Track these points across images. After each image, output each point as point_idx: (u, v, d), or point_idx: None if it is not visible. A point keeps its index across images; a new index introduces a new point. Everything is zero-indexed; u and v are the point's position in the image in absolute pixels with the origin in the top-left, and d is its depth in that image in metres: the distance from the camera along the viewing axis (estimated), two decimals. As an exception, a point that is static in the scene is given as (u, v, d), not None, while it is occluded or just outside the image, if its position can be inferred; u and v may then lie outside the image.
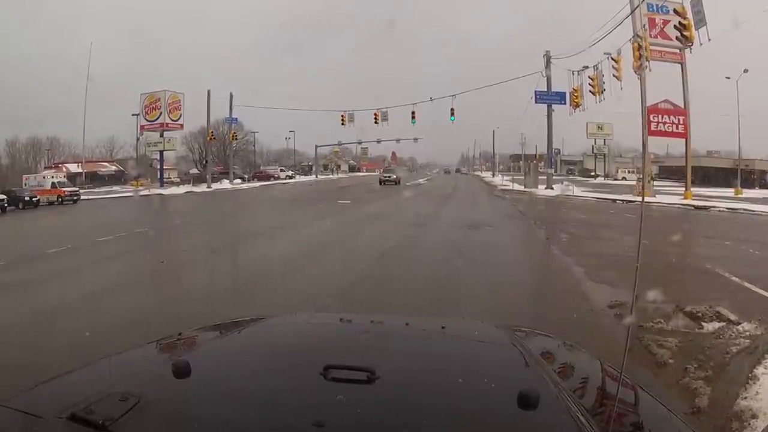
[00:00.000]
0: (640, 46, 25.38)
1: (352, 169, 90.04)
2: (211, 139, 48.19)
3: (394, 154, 78.78)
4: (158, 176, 45.40)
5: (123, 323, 5.13)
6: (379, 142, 53.61)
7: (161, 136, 45.50)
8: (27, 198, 27.87)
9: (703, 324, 4.93)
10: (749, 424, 3.01)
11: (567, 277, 7.73)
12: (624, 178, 53.43)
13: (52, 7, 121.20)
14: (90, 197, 34.90)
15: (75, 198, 32.64)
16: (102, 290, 7.00)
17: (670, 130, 27.44)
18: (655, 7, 26.30)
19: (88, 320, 5.40)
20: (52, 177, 35.12)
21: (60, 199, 31.50)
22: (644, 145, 27.62)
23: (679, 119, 27.27)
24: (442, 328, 1.79)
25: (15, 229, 18.53)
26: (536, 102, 34.81)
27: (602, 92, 30.05)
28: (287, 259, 9.58)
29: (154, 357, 1.56)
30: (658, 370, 3.96)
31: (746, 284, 6.79)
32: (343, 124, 40.80)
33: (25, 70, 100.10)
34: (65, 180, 36.52)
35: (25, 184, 34.21)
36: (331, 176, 69.61)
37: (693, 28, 25.16)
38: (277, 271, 8.51)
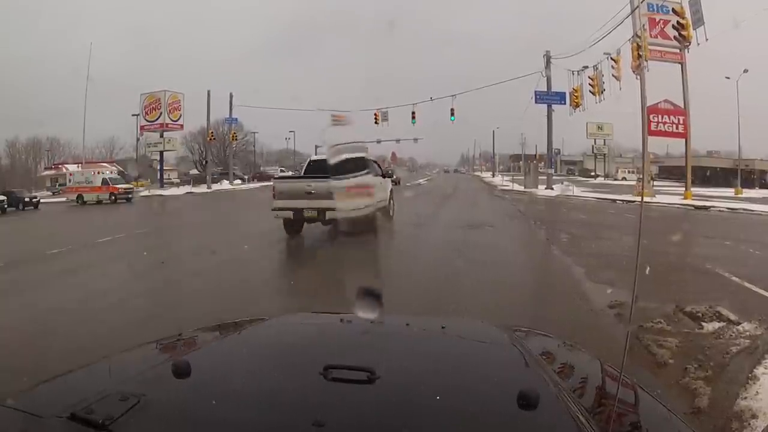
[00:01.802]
0: (639, 46, 25.40)
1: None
2: (211, 139, 48.18)
3: (394, 154, 78.47)
4: (158, 177, 45.38)
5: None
6: (379, 142, 53.39)
7: (161, 136, 45.51)
8: (27, 199, 27.83)
9: (703, 324, 4.93)
10: (749, 424, 3.01)
11: (567, 277, 7.73)
12: (624, 178, 53.44)
13: (52, 7, 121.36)
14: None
15: (129, 196, 30.28)
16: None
17: (670, 130, 27.44)
18: (655, 7, 26.31)
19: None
20: (102, 173, 32.00)
21: (113, 198, 29.35)
22: (644, 145, 27.59)
23: (679, 119, 27.26)
24: (442, 328, 1.79)
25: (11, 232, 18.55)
26: (536, 102, 34.81)
27: (602, 92, 30.09)
28: (288, 259, 9.61)
29: (154, 357, 1.56)
30: (658, 370, 3.95)
31: (746, 284, 6.78)
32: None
33: (25, 71, 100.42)
34: (118, 176, 33.30)
35: (70, 180, 32.03)
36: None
37: (690, 28, 25.18)
38: (278, 272, 8.52)
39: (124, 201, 29.46)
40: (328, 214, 10.18)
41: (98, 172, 31.83)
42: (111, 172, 32.75)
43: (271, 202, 10.83)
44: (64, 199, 32.70)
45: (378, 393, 1.17)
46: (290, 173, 63.94)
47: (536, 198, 29.00)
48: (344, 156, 10.11)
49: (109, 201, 29.21)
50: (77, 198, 30.16)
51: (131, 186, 32.66)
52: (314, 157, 13.25)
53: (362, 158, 11.51)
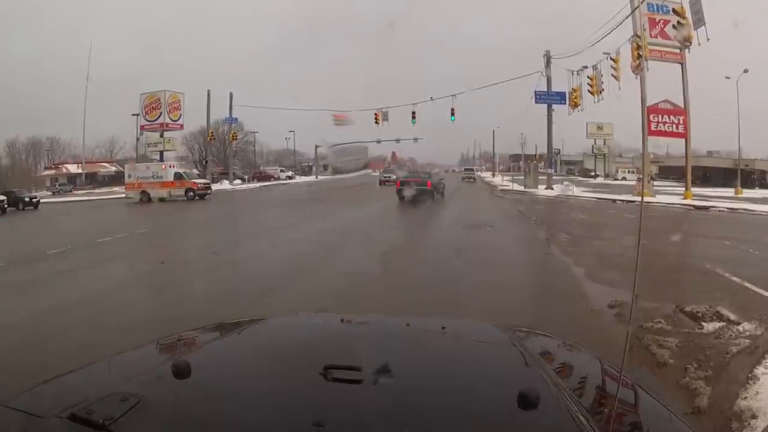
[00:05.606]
0: (639, 46, 25.39)
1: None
2: (211, 139, 48.15)
3: (394, 154, 78.36)
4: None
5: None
6: (379, 142, 53.51)
7: (161, 136, 45.50)
8: (27, 199, 27.80)
9: (703, 324, 4.94)
10: (749, 424, 3.02)
11: (567, 277, 7.72)
12: (624, 178, 53.45)
13: (53, 7, 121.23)
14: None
15: (208, 193, 27.63)
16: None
17: (670, 130, 27.44)
18: (655, 7, 26.31)
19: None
20: (173, 166, 28.99)
21: (192, 194, 26.64)
22: (644, 145, 27.59)
23: (679, 119, 27.27)
24: (443, 328, 1.79)
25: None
26: (536, 102, 34.78)
27: (601, 92, 30.04)
28: (289, 260, 9.66)
29: (154, 357, 1.56)
30: (658, 370, 3.96)
31: (746, 284, 6.78)
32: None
33: (25, 71, 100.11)
34: (191, 171, 30.39)
35: (129, 176, 29.50)
36: (330, 177, 69.52)
37: (691, 28, 25.17)
38: (285, 273, 8.54)
39: (198, 199, 26.97)
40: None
41: (170, 166, 29.45)
42: (173, 167, 29.59)
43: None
44: (121, 195, 30.24)
45: (378, 393, 1.17)
46: (290, 173, 64.61)
47: (536, 198, 28.99)
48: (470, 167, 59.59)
49: (185, 198, 26.77)
50: (141, 195, 28.13)
51: (208, 182, 30.30)
52: (467, 167, 57.30)
53: (472, 169, 57.91)
